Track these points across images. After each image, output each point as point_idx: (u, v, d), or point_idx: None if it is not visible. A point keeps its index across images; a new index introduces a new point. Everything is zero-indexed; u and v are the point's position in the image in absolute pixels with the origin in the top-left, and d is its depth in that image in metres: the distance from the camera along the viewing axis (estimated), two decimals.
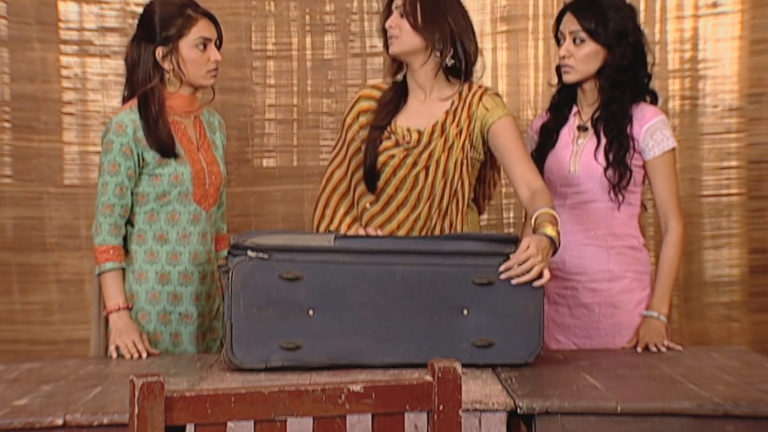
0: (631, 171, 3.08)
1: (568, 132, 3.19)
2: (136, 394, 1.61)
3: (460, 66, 3.06)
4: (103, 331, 3.13)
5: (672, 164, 3.12)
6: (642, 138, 3.09)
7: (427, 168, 3.04)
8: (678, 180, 3.18)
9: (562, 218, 3.13)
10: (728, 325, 4.19)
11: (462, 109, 3.06)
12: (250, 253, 2.61)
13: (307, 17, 4.19)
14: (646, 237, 3.31)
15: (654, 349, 2.94)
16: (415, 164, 3.05)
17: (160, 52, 3.08)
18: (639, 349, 2.95)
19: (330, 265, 2.64)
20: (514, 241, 2.77)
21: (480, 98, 3.06)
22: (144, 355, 2.95)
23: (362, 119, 3.14)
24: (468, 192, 3.06)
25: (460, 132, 3.05)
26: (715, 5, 4.15)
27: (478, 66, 3.13)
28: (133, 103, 3.08)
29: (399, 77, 3.15)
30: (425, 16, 3.00)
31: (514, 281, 2.66)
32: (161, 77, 3.09)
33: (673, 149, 3.12)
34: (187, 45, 3.08)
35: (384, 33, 3.09)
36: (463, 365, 1.84)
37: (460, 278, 2.67)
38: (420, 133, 3.06)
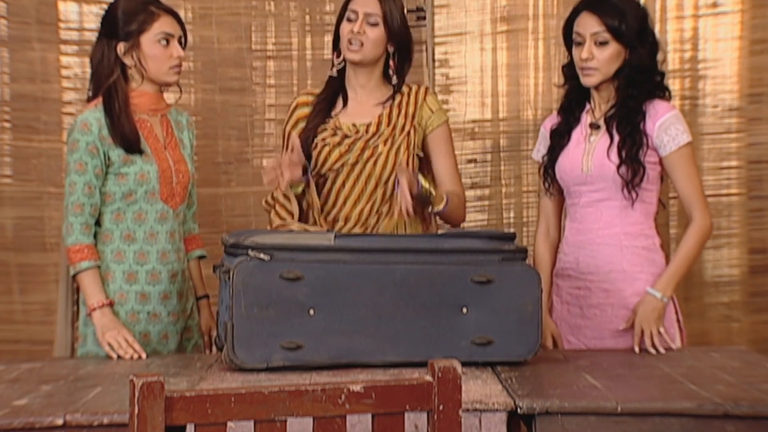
0: (644, 167, 3.04)
1: (580, 130, 3.16)
2: (136, 394, 1.61)
3: (399, 66, 3.20)
4: (71, 332, 3.12)
5: (690, 157, 3.08)
6: (656, 134, 3.06)
7: (376, 157, 3.14)
8: (699, 173, 3.15)
9: (576, 217, 3.13)
10: (728, 325, 4.19)
11: (407, 104, 3.19)
12: (250, 252, 2.62)
13: (307, 17, 4.19)
14: (663, 238, 3.26)
15: (648, 341, 2.94)
16: (362, 152, 3.14)
17: (121, 47, 3.08)
18: (635, 334, 2.95)
19: (330, 264, 2.64)
20: (512, 238, 2.78)
21: (425, 97, 3.22)
22: (143, 355, 2.94)
23: (301, 125, 3.23)
24: None
25: (404, 126, 3.17)
26: (715, 5, 4.15)
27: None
28: (98, 101, 3.09)
29: (334, 72, 3.24)
30: (393, 31, 3.14)
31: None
32: (124, 73, 3.10)
33: (689, 143, 3.08)
34: (148, 40, 3.08)
35: (335, 38, 3.22)
36: (463, 363, 1.84)
37: (459, 277, 2.67)
38: (367, 125, 3.18)
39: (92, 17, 4.09)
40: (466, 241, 2.75)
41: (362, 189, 3.15)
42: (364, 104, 3.21)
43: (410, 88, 3.24)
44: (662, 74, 3.13)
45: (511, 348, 2.69)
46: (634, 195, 3.05)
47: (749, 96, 4.15)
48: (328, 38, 4.18)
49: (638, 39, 3.05)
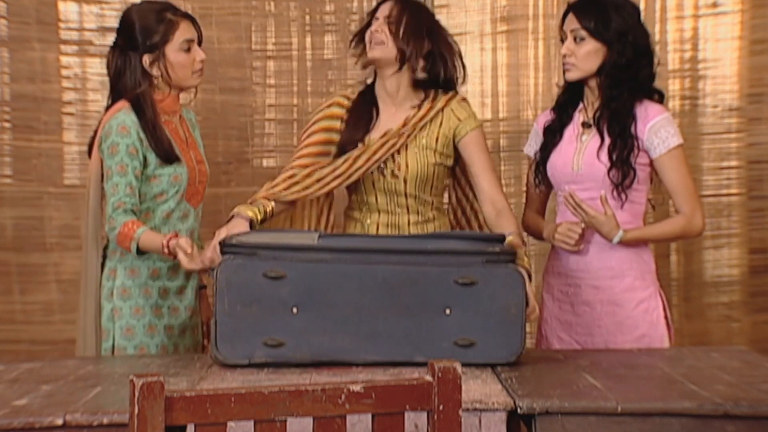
0: (634, 170, 3.07)
1: (572, 128, 3.19)
2: (136, 394, 1.61)
3: (435, 81, 3.18)
4: (92, 332, 3.12)
5: (681, 159, 3.10)
6: (646, 137, 3.08)
7: (397, 170, 3.16)
8: (691, 174, 3.16)
9: (566, 215, 3.15)
10: (728, 325, 4.19)
11: (430, 112, 3.16)
12: (233, 249, 2.65)
13: (307, 17, 4.20)
14: None
15: (566, 238, 3.08)
16: (385, 167, 3.16)
17: (147, 59, 3.10)
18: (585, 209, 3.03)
19: (313, 263, 2.66)
20: (500, 240, 2.78)
21: (447, 103, 3.17)
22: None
23: (325, 123, 3.22)
24: (436, 196, 3.21)
25: (422, 134, 3.16)
26: (715, 5, 4.15)
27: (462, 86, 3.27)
28: (124, 104, 3.08)
29: (369, 80, 3.26)
30: (407, 29, 3.12)
31: None
32: (150, 83, 3.11)
33: (680, 145, 3.10)
34: (173, 50, 3.11)
35: (359, 39, 3.22)
36: None
37: (443, 278, 2.67)
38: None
39: (92, 17, 4.09)
40: (450, 243, 2.76)
41: (387, 202, 3.19)
42: (393, 115, 3.18)
43: (437, 97, 3.18)
44: (652, 76, 3.14)
45: (493, 350, 2.68)
46: (623, 197, 3.08)
47: (749, 96, 4.15)
48: (329, 38, 4.19)
49: (618, 38, 3.07)
